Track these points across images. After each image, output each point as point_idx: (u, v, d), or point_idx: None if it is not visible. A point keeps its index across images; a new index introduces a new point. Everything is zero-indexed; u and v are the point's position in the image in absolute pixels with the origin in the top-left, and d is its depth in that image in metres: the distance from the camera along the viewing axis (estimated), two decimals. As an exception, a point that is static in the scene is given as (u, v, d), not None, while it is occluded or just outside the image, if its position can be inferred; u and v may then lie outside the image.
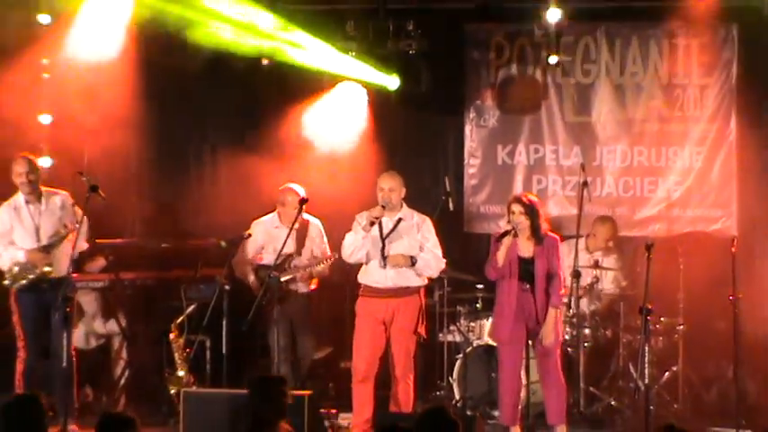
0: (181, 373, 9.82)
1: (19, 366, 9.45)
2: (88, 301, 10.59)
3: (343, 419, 9.59)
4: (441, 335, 10.27)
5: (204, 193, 11.45)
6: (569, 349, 9.93)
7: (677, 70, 11.18)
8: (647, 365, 8.78)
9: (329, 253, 9.94)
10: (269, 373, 9.21)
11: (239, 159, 11.13)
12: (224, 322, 9.67)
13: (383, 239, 9.04)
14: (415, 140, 11.53)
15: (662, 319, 10.04)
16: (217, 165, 11.53)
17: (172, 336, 9.86)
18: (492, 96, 11.49)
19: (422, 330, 9.17)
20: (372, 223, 8.94)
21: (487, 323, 10.06)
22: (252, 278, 10.02)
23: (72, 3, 10.62)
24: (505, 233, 8.96)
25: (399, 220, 9.10)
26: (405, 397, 9.11)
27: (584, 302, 10.17)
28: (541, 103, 11.40)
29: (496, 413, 9.46)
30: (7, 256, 9.45)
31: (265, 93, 11.34)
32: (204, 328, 9.86)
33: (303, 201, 9.55)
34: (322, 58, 10.95)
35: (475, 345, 10.05)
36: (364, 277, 9.16)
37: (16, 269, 9.42)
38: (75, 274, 9.58)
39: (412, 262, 9.05)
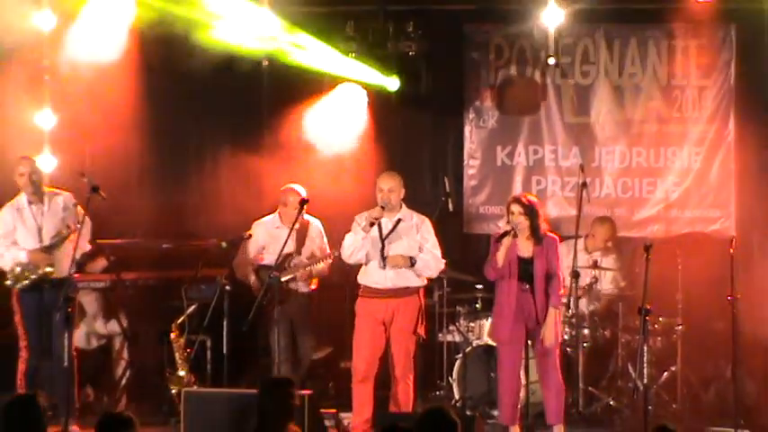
0: (182, 372, 9.82)
1: (21, 366, 9.48)
2: (89, 301, 10.60)
3: (344, 419, 9.59)
4: (440, 335, 10.27)
5: (205, 193, 11.45)
6: (568, 349, 9.95)
7: (676, 71, 11.20)
8: (645, 365, 8.75)
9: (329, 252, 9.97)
10: (274, 374, 9.20)
11: (240, 160, 11.16)
12: (224, 322, 9.69)
13: (382, 240, 9.07)
14: (415, 141, 11.56)
15: (660, 319, 10.04)
16: (217, 165, 11.52)
17: (173, 336, 9.86)
18: (491, 97, 11.51)
19: (421, 331, 9.19)
20: (372, 224, 8.97)
21: (487, 323, 10.08)
22: (253, 278, 10.06)
23: (74, 4, 10.65)
24: (505, 233, 8.98)
25: (399, 220, 9.12)
26: (404, 397, 9.13)
27: (583, 303, 10.19)
28: (540, 104, 11.41)
29: (496, 413, 9.47)
30: (9, 256, 9.47)
31: (266, 94, 11.37)
32: (205, 329, 9.86)
33: (303, 201, 9.58)
34: (322, 60, 10.97)
35: (474, 345, 10.06)
36: (364, 278, 9.19)
37: (18, 269, 9.44)
38: (76, 275, 9.63)
39: (411, 262, 9.07)
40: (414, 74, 11.19)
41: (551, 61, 10.91)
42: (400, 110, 11.42)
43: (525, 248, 9.05)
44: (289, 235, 9.52)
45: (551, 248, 9.07)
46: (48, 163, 10.58)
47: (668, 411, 9.93)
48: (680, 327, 10.08)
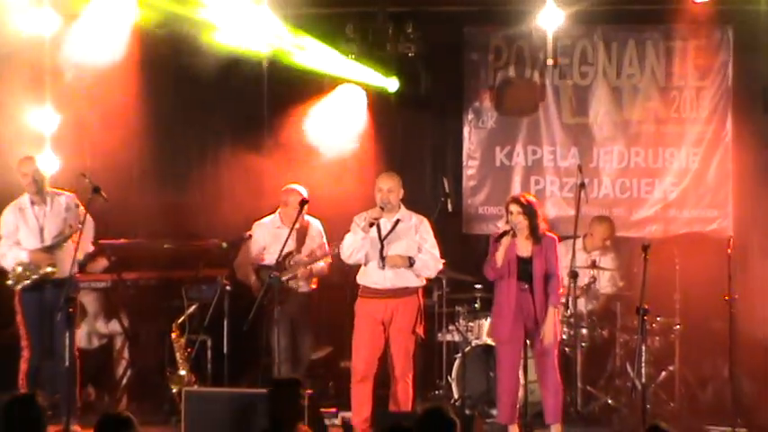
0: (182, 372, 9.85)
1: (23, 366, 9.51)
2: (90, 300, 10.63)
3: (344, 418, 9.64)
4: (439, 335, 10.28)
5: (206, 194, 11.46)
6: (567, 349, 9.96)
7: (673, 72, 11.21)
8: (643, 365, 8.76)
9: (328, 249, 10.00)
10: (275, 375, 9.21)
11: (241, 160, 11.18)
12: (225, 322, 9.74)
13: (381, 240, 9.09)
14: (414, 142, 11.57)
15: (658, 318, 10.05)
16: (218, 166, 11.53)
17: (173, 335, 9.89)
18: (490, 98, 11.52)
19: (420, 330, 9.22)
20: (371, 224, 8.99)
21: (486, 323, 10.11)
22: (253, 279, 10.10)
23: (76, 5, 10.68)
24: (504, 233, 9.02)
25: (398, 221, 9.14)
26: (404, 396, 9.15)
27: (581, 302, 10.19)
28: (539, 104, 11.42)
29: (495, 412, 9.49)
30: (11, 256, 9.51)
31: (267, 95, 11.38)
32: (205, 328, 9.90)
33: (303, 202, 9.62)
34: (323, 61, 11.00)
35: (473, 344, 10.07)
36: (363, 278, 9.22)
37: (20, 269, 9.47)
38: (78, 275, 9.67)
39: (410, 263, 9.10)
40: (413, 75, 11.21)
41: (550, 62, 10.94)
42: (400, 111, 11.45)
43: (524, 248, 9.08)
44: (289, 235, 9.54)
45: (550, 248, 9.10)
46: (49, 163, 10.60)
47: (666, 411, 9.94)
48: (678, 326, 10.10)
